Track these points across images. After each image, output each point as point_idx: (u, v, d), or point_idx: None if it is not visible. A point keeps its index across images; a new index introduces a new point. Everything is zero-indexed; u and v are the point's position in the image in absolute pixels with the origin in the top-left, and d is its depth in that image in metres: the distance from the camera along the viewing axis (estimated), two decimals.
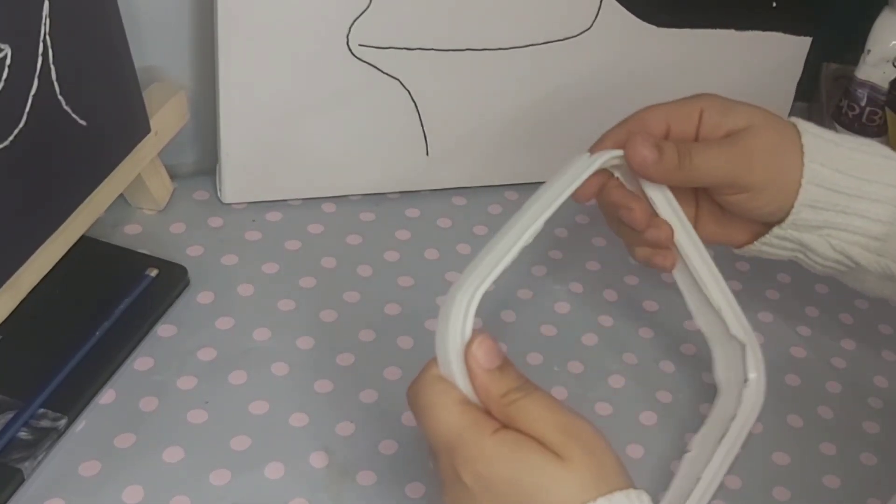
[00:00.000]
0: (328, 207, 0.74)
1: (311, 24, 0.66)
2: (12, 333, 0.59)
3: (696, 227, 0.60)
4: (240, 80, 0.67)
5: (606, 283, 0.71)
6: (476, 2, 0.68)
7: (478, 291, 0.47)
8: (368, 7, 0.66)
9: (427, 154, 0.74)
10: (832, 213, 0.57)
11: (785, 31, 0.76)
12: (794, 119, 0.59)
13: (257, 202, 0.73)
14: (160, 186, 0.71)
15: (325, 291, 0.67)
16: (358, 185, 0.75)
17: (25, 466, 0.54)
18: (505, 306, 0.68)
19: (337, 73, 0.68)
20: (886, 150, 0.58)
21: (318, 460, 0.58)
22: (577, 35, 0.72)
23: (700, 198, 0.61)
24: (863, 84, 0.82)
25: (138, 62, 0.63)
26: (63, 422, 0.57)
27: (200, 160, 0.74)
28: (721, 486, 0.58)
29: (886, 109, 0.83)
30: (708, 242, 0.60)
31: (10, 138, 0.54)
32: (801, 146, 0.57)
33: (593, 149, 0.57)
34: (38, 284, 0.60)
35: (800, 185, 0.56)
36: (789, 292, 0.73)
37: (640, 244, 0.59)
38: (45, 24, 0.54)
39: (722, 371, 0.61)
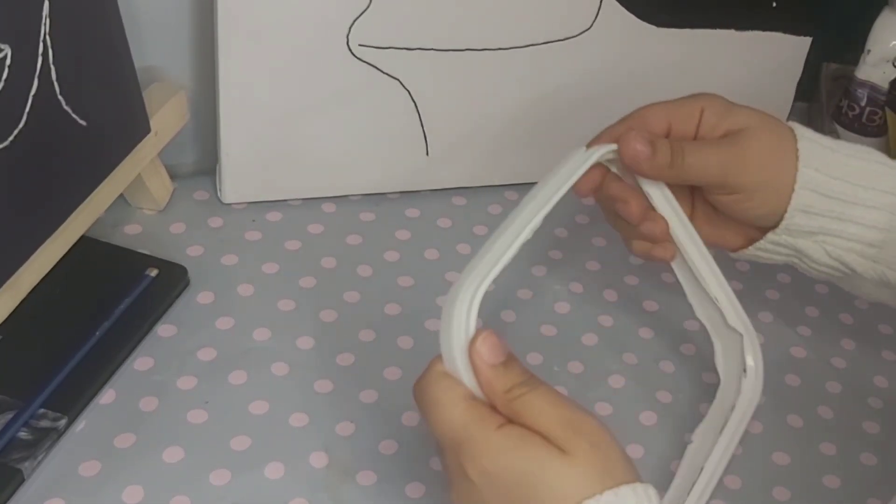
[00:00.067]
0: (328, 207, 0.74)
1: (311, 25, 0.66)
2: (12, 333, 0.59)
3: None
4: (240, 80, 0.67)
5: (606, 283, 0.71)
6: (476, 2, 0.68)
7: (480, 287, 0.47)
8: (368, 7, 0.66)
9: (427, 154, 0.74)
10: (827, 220, 0.57)
11: (785, 31, 0.76)
12: (791, 123, 0.58)
13: (257, 202, 0.73)
14: (160, 186, 0.71)
15: (325, 291, 0.67)
16: (358, 185, 0.75)
17: (25, 466, 0.54)
18: (505, 306, 0.68)
19: (337, 73, 0.68)
20: (883, 157, 0.58)
21: (318, 460, 0.58)
22: (577, 35, 0.72)
23: (695, 199, 0.61)
24: (863, 84, 0.81)
25: (138, 62, 0.63)
26: (63, 422, 0.56)
27: (200, 160, 0.74)
28: (721, 482, 0.58)
29: (886, 109, 0.82)
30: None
31: (10, 138, 0.54)
32: (797, 151, 0.57)
33: (591, 143, 0.57)
34: (38, 284, 0.60)
35: (793, 189, 0.56)
36: (789, 292, 0.73)
37: (637, 238, 0.59)
38: (45, 24, 0.54)
39: (722, 362, 0.62)
